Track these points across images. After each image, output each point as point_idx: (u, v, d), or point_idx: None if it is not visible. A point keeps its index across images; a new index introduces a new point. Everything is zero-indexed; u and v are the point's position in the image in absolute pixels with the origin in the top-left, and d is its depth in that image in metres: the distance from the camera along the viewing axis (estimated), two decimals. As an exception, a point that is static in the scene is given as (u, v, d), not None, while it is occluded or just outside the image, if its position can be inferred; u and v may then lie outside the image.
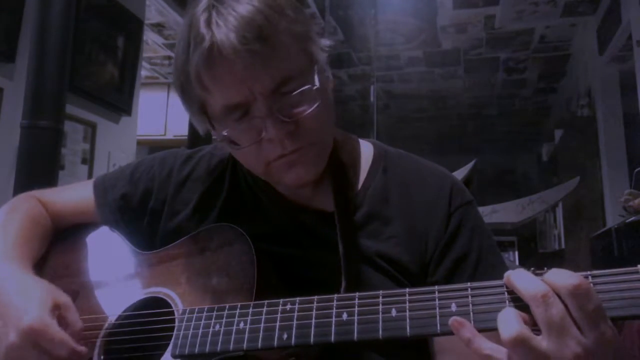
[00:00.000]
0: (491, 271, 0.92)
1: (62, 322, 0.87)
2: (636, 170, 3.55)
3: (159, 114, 6.06)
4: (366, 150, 1.05)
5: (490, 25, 5.29)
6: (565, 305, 0.60)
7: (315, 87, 0.85)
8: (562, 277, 0.61)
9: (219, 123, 0.89)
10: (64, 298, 0.91)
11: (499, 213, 4.06)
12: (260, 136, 0.85)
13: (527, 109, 7.93)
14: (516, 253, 8.09)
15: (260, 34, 0.81)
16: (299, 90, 0.84)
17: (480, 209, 1.02)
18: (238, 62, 0.81)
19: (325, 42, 0.92)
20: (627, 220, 3.21)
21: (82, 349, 0.86)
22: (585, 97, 5.34)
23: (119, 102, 3.45)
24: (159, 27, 4.80)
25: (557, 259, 6.17)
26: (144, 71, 5.47)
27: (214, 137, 0.92)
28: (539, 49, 5.83)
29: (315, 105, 0.85)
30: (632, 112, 4.62)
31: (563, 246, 5.75)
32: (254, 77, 0.82)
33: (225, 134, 0.88)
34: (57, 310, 0.87)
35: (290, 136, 0.86)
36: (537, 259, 7.47)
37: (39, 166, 2.00)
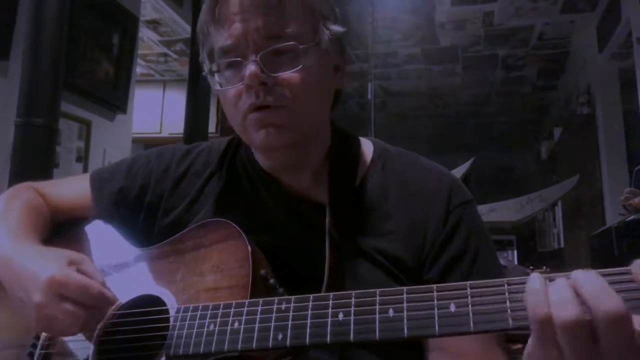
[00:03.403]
0: (486, 273, 0.92)
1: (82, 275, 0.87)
2: (636, 168, 3.54)
3: (155, 112, 6.07)
4: (366, 147, 1.06)
5: (489, 22, 5.28)
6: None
7: (302, 47, 0.89)
8: (589, 283, 0.58)
9: (216, 64, 0.94)
10: (80, 255, 0.91)
11: (497, 212, 4.06)
12: (242, 81, 0.90)
13: (526, 106, 7.92)
14: (515, 252, 8.10)
15: None
16: (284, 44, 0.88)
17: (479, 208, 1.03)
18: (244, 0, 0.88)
19: (337, 28, 0.95)
20: (627, 219, 3.20)
21: (109, 292, 0.86)
22: (585, 94, 5.33)
23: (114, 100, 3.45)
24: (154, 24, 4.77)
25: (556, 258, 6.18)
26: (139, 68, 5.45)
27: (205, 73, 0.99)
28: (538, 46, 5.82)
29: (297, 68, 0.89)
30: (632, 110, 4.62)
31: (562, 245, 5.77)
32: (252, 18, 0.88)
33: (217, 73, 0.95)
34: (74, 265, 0.87)
35: (265, 89, 0.89)
36: (536, 258, 7.47)
37: (33, 164, 2.00)
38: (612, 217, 4.40)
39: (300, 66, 0.88)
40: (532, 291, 0.60)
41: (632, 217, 3.16)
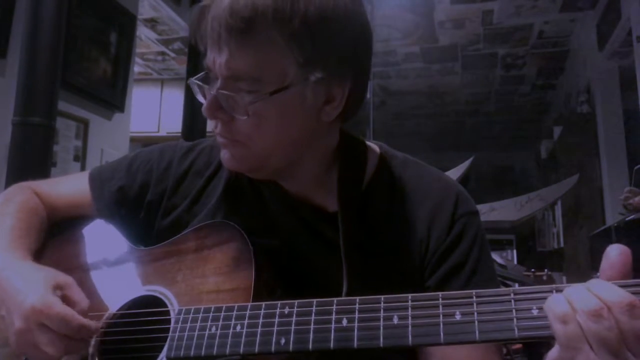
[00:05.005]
0: (483, 286, 0.90)
1: (67, 301, 0.86)
2: (636, 167, 3.53)
3: (152, 111, 6.07)
4: (372, 153, 1.03)
5: (488, 21, 5.27)
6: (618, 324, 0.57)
7: (248, 103, 0.84)
8: (614, 294, 0.58)
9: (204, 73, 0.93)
10: (66, 278, 0.90)
11: (497, 211, 4.05)
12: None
13: (526, 105, 7.92)
14: (514, 252, 8.08)
15: (241, 25, 0.80)
16: (230, 93, 0.84)
17: (478, 207, 1.01)
18: (212, 33, 0.84)
19: (318, 75, 0.85)
20: (627, 219, 3.19)
21: (91, 323, 0.85)
22: (585, 93, 5.33)
23: (111, 99, 3.43)
24: (152, 23, 4.77)
25: (556, 258, 6.17)
26: (137, 67, 5.45)
27: None
28: (538, 45, 5.82)
29: (242, 118, 0.85)
30: (632, 109, 4.61)
31: (562, 245, 5.75)
32: (223, 51, 0.84)
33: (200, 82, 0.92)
34: (60, 290, 0.87)
35: (222, 123, 0.89)
36: (535, 258, 7.47)
37: (30, 163, 1.99)
38: (612, 217, 4.39)
39: (253, 113, 0.84)
40: (555, 300, 0.60)
41: (632, 217, 3.14)
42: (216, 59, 0.85)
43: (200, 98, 0.93)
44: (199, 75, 0.92)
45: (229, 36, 0.81)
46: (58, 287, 0.87)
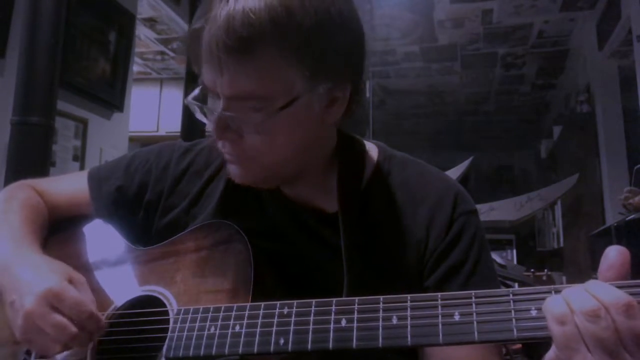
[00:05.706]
0: (483, 285, 0.90)
1: None
2: (636, 167, 3.53)
3: (152, 110, 6.07)
4: (371, 152, 1.03)
5: (488, 20, 5.27)
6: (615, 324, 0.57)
7: (258, 122, 0.82)
8: (612, 294, 0.58)
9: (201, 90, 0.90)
10: (79, 276, 0.90)
11: (496, 211, 4.04)
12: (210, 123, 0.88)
13: (526, 105, 7.92)
14: (514, 251, 8.10)
15: (239, 45, 0.77)
16: (237, 115, 0.83)
17: (478, 207, 1.01)
18: (211, 55, 0.80)
19: (326, 85, 0.84)
20: (627, 218, 3.19)
21: (101, 317, 0.85)
22: (585, 92, 5.33)
23: (110, 98, 3.43)
24: (151, 22, 4.77)
25: (555, 258, 6.18)
26: (136, 67, 5.44)
27: None
28: (538, 44, 5.81)
29: (256, 134, 0.84)
30: (632, 108, 4.61)
31: (562, 244, 5.76)
32: (219, 75, 0.81)
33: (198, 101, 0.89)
34: (72, 284, 0.87)
35: (230, 142, 0.87)
36: (535, 258, 7.48)
37: (29, 163, 1.99)
38: (612, 217, 4.39)
39: (261, 130, 0.83)
40: (553, 301, 0.60)
41: (631, 217, 3.15)
42: (217, 80, 0.82)
43: (199, 116, 0.90)
44: (194, 93, 0.89)
45: (228, 58, 0.78)
46: (72, 281, 0.88)
